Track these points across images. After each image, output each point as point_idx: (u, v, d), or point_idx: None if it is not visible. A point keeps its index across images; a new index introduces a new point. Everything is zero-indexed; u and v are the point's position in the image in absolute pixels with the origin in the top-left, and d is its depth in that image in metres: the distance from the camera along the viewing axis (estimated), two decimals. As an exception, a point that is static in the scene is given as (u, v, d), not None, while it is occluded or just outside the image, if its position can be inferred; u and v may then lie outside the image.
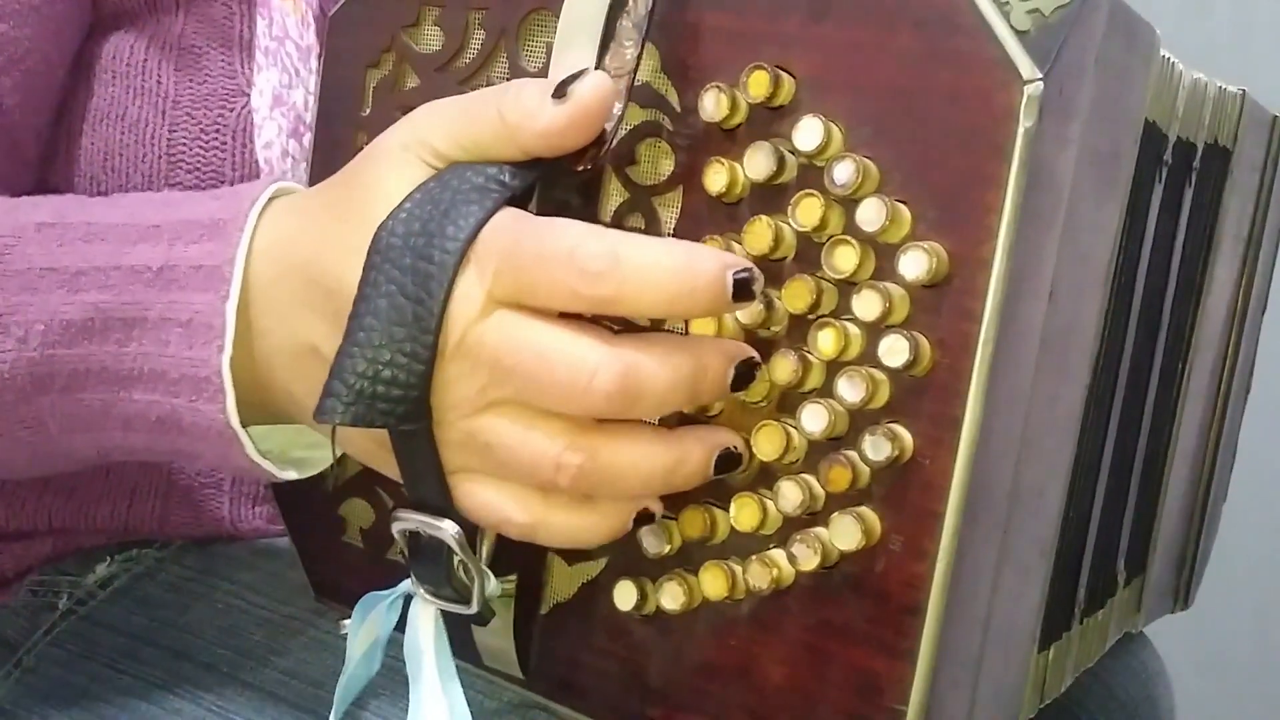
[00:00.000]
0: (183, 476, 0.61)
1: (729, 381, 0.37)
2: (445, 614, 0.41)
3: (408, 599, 0.42)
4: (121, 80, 0.56)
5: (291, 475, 0.44)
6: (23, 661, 0.59)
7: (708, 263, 0.35)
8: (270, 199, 0.43)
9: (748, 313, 0.38)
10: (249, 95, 0.57)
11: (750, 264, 0.36)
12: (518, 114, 0.37)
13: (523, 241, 0.36)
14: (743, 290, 0.35)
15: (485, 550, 0.41)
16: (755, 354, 0.37)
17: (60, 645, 0.59)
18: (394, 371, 0.35)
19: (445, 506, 0.38)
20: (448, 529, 0.38)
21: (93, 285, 0.43)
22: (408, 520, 0.38)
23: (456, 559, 0.38)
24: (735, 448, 0.37)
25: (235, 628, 0.56)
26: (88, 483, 0.60)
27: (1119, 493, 0.50)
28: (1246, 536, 0.87)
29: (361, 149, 0.46)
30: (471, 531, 0.40)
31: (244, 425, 0.42)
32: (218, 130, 0.56)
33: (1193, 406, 0.54)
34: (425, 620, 0.41)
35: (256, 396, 0.42)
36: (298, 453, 0.45)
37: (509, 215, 0.37)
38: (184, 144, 0.56)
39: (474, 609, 0.39)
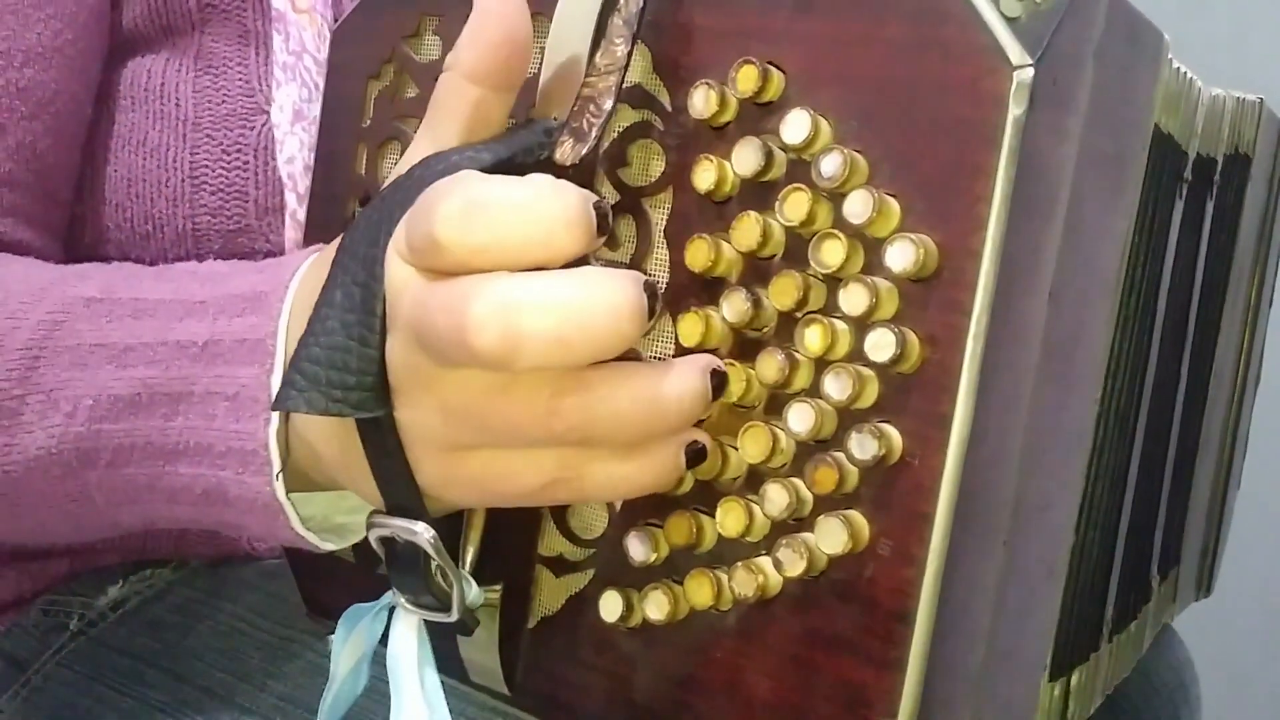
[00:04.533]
0: None
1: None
2: (431, 628, 0.40)
3: (392, 610, 0.41)
4: (141, 105, 0.57)
5: (331, 546, 0.44)
6: (31, 681, 0.59)
7: (572, 194, 0.34)
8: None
9: (735, 312, 0.37)
10: (269, 112, 0.57)
11: (600, 197, 0.35)
12: (450, 55, 0.37)
13: (420, 202, 0.34)
14: (602, 220, 0.34)
15: (469, 557, 0.40)
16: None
17: (68, 666, 0.59)
18: (346, 357, 0.35)
19: (418, 508, 0.37)
20: (422, 532, 0.37)
21: (140, 360, 0.43)
22: (383, 526, 0.38)
23: (434, 564, 0.37)
24: (720, 366, 0.36)
25: (235, 651, 0.56)
26: None
27: (1148, 507, 0.49)
28: (1255, 524, 0.86)
29: (360, 159, 0.47)
30: (454, 536, 0.39)
31: (288, 488, 0.42)
32: (239, 150, 0.57)
33: (1215, 404, 0.53)
34: (407, 630, 0.40)
35: (295, 463, 0.42)
36: (339, 518, 0.45)
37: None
38: (206, 165, 0.57)
39: (454, 616, 0.38)
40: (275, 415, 0.40)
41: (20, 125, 0.53)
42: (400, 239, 0.35)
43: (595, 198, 0.34)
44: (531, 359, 0.32)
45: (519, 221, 0.33)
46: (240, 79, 0.57)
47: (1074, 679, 0.44)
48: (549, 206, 0.33)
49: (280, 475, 0.41)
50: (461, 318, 0.32)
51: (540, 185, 0.34)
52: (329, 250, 0.41)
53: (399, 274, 0.35)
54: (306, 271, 0.42)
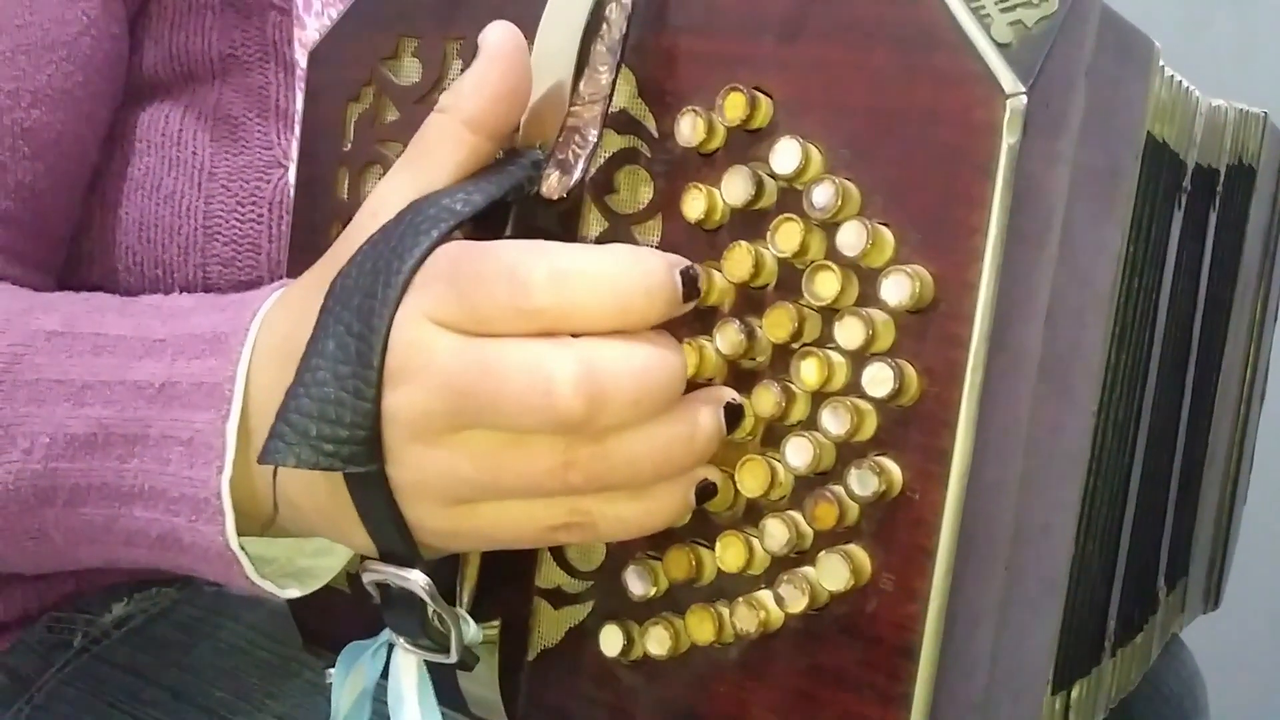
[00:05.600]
0: None
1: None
2: (431, 662, 0.40)
3: (392, 646, 0.41)
4: (157, 151, 0.56)
5: (294, 592, 0.43)
6: (34, 698, 0.59)
7: (654, 262, 0.34)
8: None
9: (728, 343, 0.36)
10: (286, 167, 0.56)
11: (689, 262, 0.35)
12: (447, 98, 0.37)
13: (462, 265, 0.34)
14: (691, 287, 0.35)
15: (466, 596, 0.39)
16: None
17: (70, 683, 0.59)
18: (339, 411, 0.34)
19: (410, 556, 0.36)
20: (416, 579, 0.36)
21: (97, 400, 0.42)
22: (377, 572, 0.37)
23: (430, 608, 0.37)
24: (734, 400, 0.36)
25: (235, 669, 0.55)
26: None
27: (1152, 517, 0.49)
28: (1263, 536, 0.88)
29: (341, 184, 0.46)
30: (450, 574, 0.39)
31: (248, 534, 0.41)
32: (254, 202, 0.56)
33: (1221, 416, 0.53)
34: (407, 669, 0.39)
35: (257, 509, 0.41)
36: (303, 561, 0.44)
37: (455, 243, 0.35)
38: (220, 215, 0.55)
39: (453, 658, 0.38)
40: (228, 463, 0.40)
41: (21, 165, 0.51)
42: (434, 304, 0.34)
43: (684, 263, 0.35)
44: (607, 422, 0.33)
45: (605, 292, 0.33)
46: (259, 132, 0.56)
47: (1074, 692, 0.44)
48: (632, 276, 0.34)
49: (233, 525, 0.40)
50: (547, 382, 0.32)
51: (621, 255, 0.34)
52: (297, 286, 0.41)
53: (426, 335, 0.34)
54: (270, 309, 0.41)
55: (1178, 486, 0.50)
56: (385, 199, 0.38)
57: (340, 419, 0.34)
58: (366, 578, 0.38)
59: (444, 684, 0.41)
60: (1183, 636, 0.74)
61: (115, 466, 0.41)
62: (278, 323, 0.40)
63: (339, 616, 0.47)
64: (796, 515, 0.35)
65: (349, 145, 0.46)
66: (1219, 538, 0.58)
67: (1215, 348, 0.51)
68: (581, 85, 0.37)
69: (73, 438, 0.42)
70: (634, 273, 0.34)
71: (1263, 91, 0.54)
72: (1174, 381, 0.48)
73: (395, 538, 0.36)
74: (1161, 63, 0.40)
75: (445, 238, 0.35)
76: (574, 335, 0.34)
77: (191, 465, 0.40)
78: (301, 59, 0.56)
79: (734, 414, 0.36)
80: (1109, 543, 0.44)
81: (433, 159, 0.37)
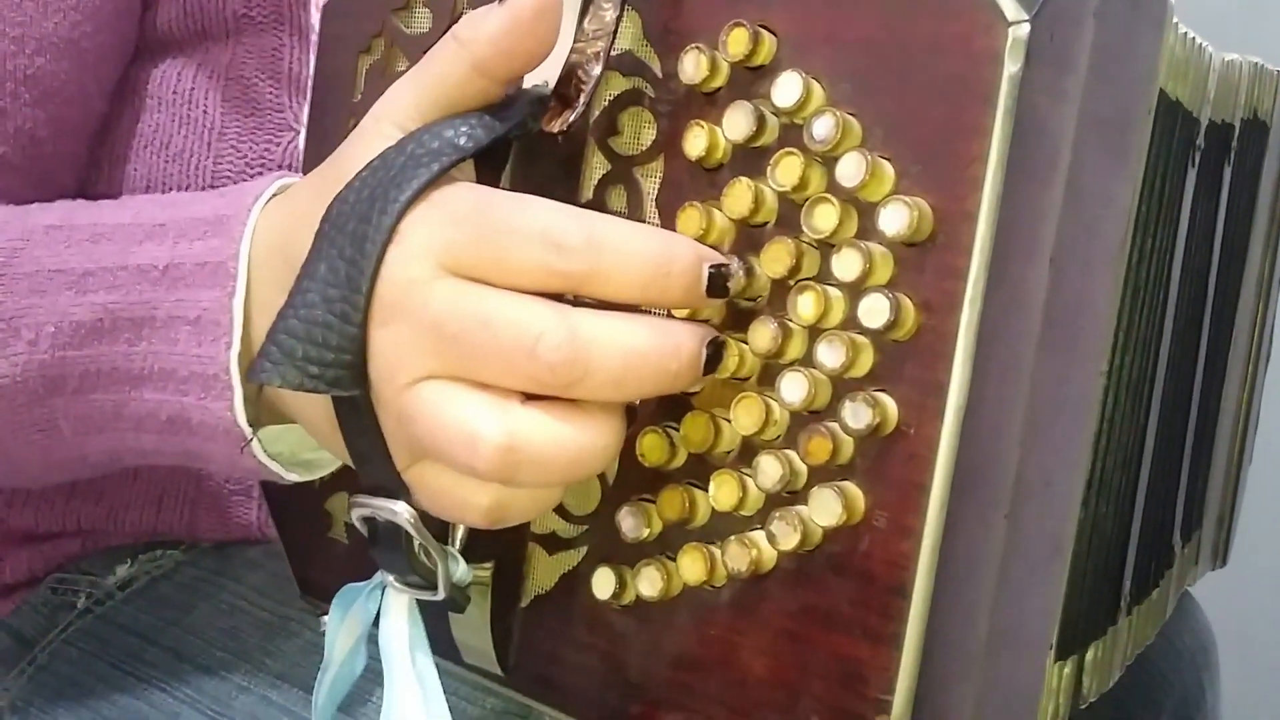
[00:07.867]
0: (211, 483, 0.60)
1: (703, 360, 0.35)
2: (425, 609, 0.39)
3: (385, 589, 0.40)
4: (167, 108, 0.56)
5: (297, 477, 0.43)
6: (37, 659, 0.59)
7: (684, 251, 0.34)
8: (274, 195, 0.43)
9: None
10: (297, 131, 0.56)
11: (726, 259, 0.35)
12: (466, 28, 0.36)
13: (491, 215, 0.34)
14: (717, 284, 0.35)
15: (459, 534, 0.39)
16: (720, 335, 0.35)
17: (74, 644, 0.59)
18: (326, 334, 0.34)
19: (395, 487, 0.36)
20: (401, 511, 0.36)
21: (101, 285, 0.43)
22: (364, 505, 0.37)
23: (416, 542, 0.37)
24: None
25: (235, 629, 0.55)
26: (116, 488, 0.60)
27: (1168, 478, 0.48)
28: (1271, 494, 0.86)
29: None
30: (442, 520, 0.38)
31: (252, 425, 0.41)
32: (263, 165, 0.56)
33: (1232, 374, 0.52)
34: (397, 609, 0.39)
35: (257, 393, 0.41)
36: (307, 454, 0.44)
37: (476, 188, 0.35)
38: (229, 176, 0.56)
39: (441, 594, 0.38)
40: (236, 338, 0.40)
41: (22, 112, 0.52)
42: (447, 246, 0.34)
43: (716, 259, 0.35)
44: (585, 391, 0.33)
45: (633, 270, 0.34)
46: (271, 95, 0.56)
47: (1089, 655, 0.43)
48: (661, 262, 0.34)
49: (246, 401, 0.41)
50: (535, 336, 0.33)
51: (654, 236, 0.35)
52: (300, 186, 0.41)
53: (427, 274, 0.34)
54: (270, 198, 0.42)
55: (1192, 445, 0.49)
56: (389, 109, 0.38)
57: (326, 342, 0.34)
58: (354, 513, 0.37)
59: (437, 635, 0.41)
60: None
61: (124, 350, 0.42)
62: (273, 214, 0.41)
63: (336, 567, 0.46)
64: (791, 453, 0.35)
65: (359, 96, 0.46)
66: (1227, 494, 0.57)
67: (1229, 305, 0.51)
68: (586, 22, 0.37)
69: (79, 325, 0.42)
70: (663, 259, 0.34)
71: (1270, 48, 0.53)
72: (1189, 341, 0.47)
73: (380, 467, 0.36)
74: (1175, 19, 0.40)
75: (445, 172, 0.35)
76: (580, 297, 0.34)
77: (200, 343, 0.40)
78: (317, 23, 0.56)
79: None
80: (1124, 505, 0.43)
81: (439, 85, 0.37)
